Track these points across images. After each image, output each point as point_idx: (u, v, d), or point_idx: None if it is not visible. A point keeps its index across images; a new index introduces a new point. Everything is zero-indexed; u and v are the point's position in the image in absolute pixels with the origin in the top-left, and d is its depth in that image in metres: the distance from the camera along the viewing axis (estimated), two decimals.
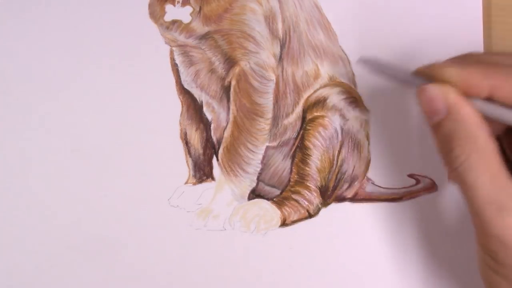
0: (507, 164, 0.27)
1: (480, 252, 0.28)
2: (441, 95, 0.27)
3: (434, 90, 0.27)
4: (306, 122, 0.37)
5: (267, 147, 0.37)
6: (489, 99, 0.27)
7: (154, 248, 0.36)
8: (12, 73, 0.38)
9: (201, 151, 0.37)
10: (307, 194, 0.37)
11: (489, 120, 0.27)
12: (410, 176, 0.36)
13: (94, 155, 0.37)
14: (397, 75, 0.30)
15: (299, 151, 0.37)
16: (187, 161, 0.37)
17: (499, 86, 0.26)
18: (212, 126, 0.38)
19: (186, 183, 0.37)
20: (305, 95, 0.37)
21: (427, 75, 0.28)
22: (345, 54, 0.37)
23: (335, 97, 0.37)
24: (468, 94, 0.27)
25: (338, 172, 0.37)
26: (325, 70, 0.37)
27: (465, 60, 0.29)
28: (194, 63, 0.37)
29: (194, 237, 0.36)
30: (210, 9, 0.37)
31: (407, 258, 0.36)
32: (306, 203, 0.36)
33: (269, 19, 0.37)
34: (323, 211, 0.37)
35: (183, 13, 0.37)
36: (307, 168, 0.37)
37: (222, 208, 0.37)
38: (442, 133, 0.27)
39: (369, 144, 0.37)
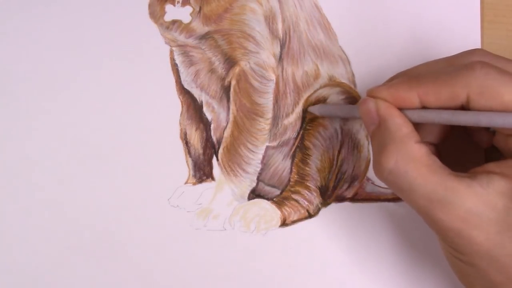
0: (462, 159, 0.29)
1: (441, 244, 0.29)
2: (375, 107, 0.29)
3: (370, 103, 0.29)
4: (306, 122, 0.37)
5: (267, 147, 0.37)
6: (424, 107, 0.28)
7: (154, 248, 0.36)
8: (12, 73, 0.38)
9: (201, 151, 0.37)
10: (307, 194, 0.37)
11: (430, 125, 0.30)
12: None
13: (94, 155, 0.37)
14: (344, 112, 0.35)
15: (299, 151, 0.37)
16: (187, 161, 0.37)
17: (424, 93, 0.28)
18: (212, 126, 0.38)
19: (186, 183, 0.37)
20: (305, 95, 0.37)
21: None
22: (345, 54, 0.37)
23: (335, 97, 0.37)
24: (402, 106, 0.29)
25: (338, 172, 0.37)
26: (325, 70, 0.37)
27: (393, 78, 0.31)
28: (194, 63, 0.37)
29: (194, 237, 0.36)
30: (210, 9, 0.37)
31: (407, 258, 0.36)
32: (306, 203, 0.37)
33: (269, 19, 0.37)
34: (323, 211, 0.37)
35: (183, 13, 0.37)
36: (307, 168, 0.37)
37: (222, 208, 0.37)
38: (375, 142, 0.29)
39: (369, 144, 0.37)
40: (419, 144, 0.27)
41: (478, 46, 0.37)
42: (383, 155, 0.28)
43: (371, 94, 0.30)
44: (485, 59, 0.27)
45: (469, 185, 0.26)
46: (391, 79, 0.32)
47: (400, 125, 0.28)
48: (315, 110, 0.36)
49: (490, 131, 0.30)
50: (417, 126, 0.29)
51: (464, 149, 0.32)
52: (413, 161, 0.27)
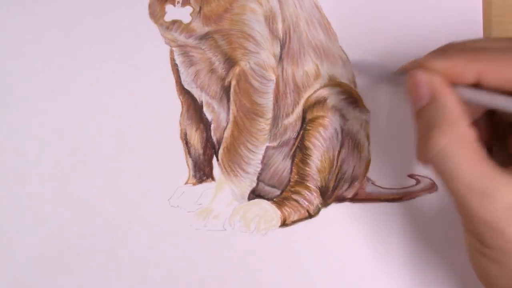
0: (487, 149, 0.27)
1: (467, 237, 0.28)
2: (427, 82, 0.27)
3: (421, 77, 0.27)
4: (306, 122, 0.37)
5: (267, 147, 0.37)
6: (477, 85, 0.27)
7: (154, 248, 0.36)
8: (12, 73, 0.38)
9: (201, 151, 0.37)
10: (307, 194, 0.37)
11: (474, 105, 0.28)
12: (410, 176, 0.36)
13: (94, 155, 0.37)
14: (383, 74, 0.32)
15: (299, 151, 0.37)
16: (187, 161, 0.37)
17: (484, 71, 0.26)
18: (212, 126, 0.38)
19: (186, 183, 0.37)
20: (305, 95, 0.37)
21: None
22: (345, 54, 0.37)
23: (335, 97, 0.37)
24: (455, 82, 0.27)
25: (338, 172, 0.37)
26: (325, 70, 0.37)
27: (448, 49, 0.29)
28: (194, 63, 0.37)
29: (194, 237, 0.36)
30: (210, 9, 0.37)
31: (407, 258, 0.36)
32: (306, 203, 0.37)
33: (269, 19, 0.37)
34: (323, 211, 0.37)
35: (183, 13, 0.37)
36: (307, 168, 0.37)
37: (222, 208, 0.37)
38: (423, 120, 0.27)
39: (369, 144, 0.37)
40: (470, 128, 0.26)
41: None
42: (434, 135, 0.26)
43: (424, 64, 0.28)
44: None
45: None
46: (445, 47, 0.29)
47: (455, 105, 0.26)
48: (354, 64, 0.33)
49: None
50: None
51: (497, 136, 0.31)
52: (466, 145, 0.25)
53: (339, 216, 0.36)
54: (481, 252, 0.27)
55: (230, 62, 0.37)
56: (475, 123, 0.30)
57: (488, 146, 0.31)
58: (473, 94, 0.27)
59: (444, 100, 0.27)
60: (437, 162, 0.26)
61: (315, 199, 0.36)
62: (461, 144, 0.26)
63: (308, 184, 0.37)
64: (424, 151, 0.27)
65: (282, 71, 0.37)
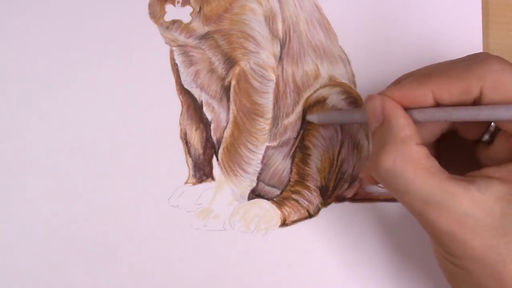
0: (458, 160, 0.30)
1: (434, 246, 0.29)
2: (380, 104, 0.29)
3: (376, 99, 0.29)
4: (306, 122, 0.37)
5: (267, 147, 0.37)
6: (437, 104, 0.28)
7: (154, 248, 0.36)
8: (12, 73, 0.38)
9: (201, 151, 0.37)
10: (307, 194, 0.37)
11: (433, 124, 0.30)
12: None
13: (94, 155, 0.37)
14: (344, 117, 0.34)
15: (299, 151, 0.37)
16: (187, 161, 0.37)
17: (438, 89, 0.28)
18: (212, 126, 0.38)
19: (186, 183, 0.37)
20: (305, 95, 0.37)
21: None
22: (345, 54, 0.37)
23: (335, 97, 0.37)
24: (415, 105, 0.29)
25: (338, 172, 0.37)
26: (325, 70, 0.37)
27: (402, 79, 0.31)
28: (194, 63, 0.37)
29: (194, 237, 0.36)
30: (210, 9, 0.37)
31: (407, 257, 0.36)
32: (306, 203, 0.37)
33: (269, 19, 0.37)
34: (323, 211, 0.37)
35: (183, 13, 0.37)
36: (307, 168, 0.37)
37: (222, 208, 0.37)
38: (376, 139, 0.29)
39: (369, 144, 0.37)
40: (419, 146, 0.27)
41: (480, 46, 0.37)
42: (382, 154, 0.27)
43: (383, 93, 0.30)
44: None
45: (467, 189, 0.26)
46: (399, 79, 0.32)
47: (403, 126, 0.28)
48: (313, 118, 0.36)
49: (485, 141, 0.30)
50: (418, 125, 0.29)
51: (463, 150, 0.32)
52: (412, 162, 0.27)
53: (339, 216, 0.36)
54: (448, 260, 0.27)
55: (230, 62, 0.37)
56: (439, 140, 0.32)
57: (454, 159, 0.32)
58: (426, 113, 0.28)
59: (393, 122, 0.28)
60: (387, 180, 0.28)
61: (315, 199, 0.37)
62: (408, 162, 0.27)
63: (308, 184, 0.37)
64: (375, 169, 0.28)
65: (282, 71, 0.37)
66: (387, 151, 0.27)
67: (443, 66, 0.29)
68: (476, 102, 0.27)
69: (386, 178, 0.28)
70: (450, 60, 0.30)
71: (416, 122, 0.28)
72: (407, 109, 0.29)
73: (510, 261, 0.25)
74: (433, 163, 0.27)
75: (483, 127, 0.30)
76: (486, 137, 0.30)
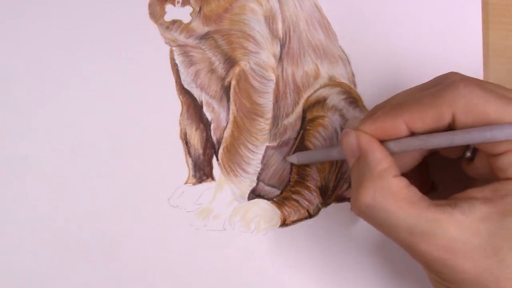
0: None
1: (427, 272, 0.29)
2: (355, 140, 0.29)
3: (351, 135, 0.29)
4: (306, 122, 0.37)
5: (267, 147, 0.37)
6: (413, 133, 0.28)
7: (154, 248, 0.36)
8: (12, 73, 0.38)
9: (201, 151, 0.37)
10: (307, 194, 0.37)
11: (411, 153, 0.30)
12: None
13: (94, 155, 0.37)
14: (322, 155, 0.34)
15: (299, 151, 0.37)
16: (187, 161, 0.37)
17: (410, 119, 0.27)
18: (212, 126, 0.38)
19: (186, 183, 0.37)
20: (305, 95, 0.37)
21: None
22: (345, 54, 0.37)
23: (335, 97, 0.37)
24: (391, 137, 0.28)
25: (338, 172, 0.37)
26: (325, 70, 0.37)
27: (375, 111, 0.30)
28: (194, 63, 0.37)
29: (194, 237, 0.36)
30: (210, 9, 0.37)
31: (407, 257, 0.36)
32: (306, 203, 0.37)
33: (269, 19, 0.37)
34: (323, 211, 0.37)
35: (183, 13, 0.37)
36: (307, 168, 0.37)
37: (222, 208, 0.37)
38: (354, 175, 0.29)
39: None
40: (397, 178, 0.27)
41: (479, 46, 0.37)
42: (361, 190, 0.27)
43: (355, 128, 0.29)
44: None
45: (450, 214, 0.26)
46: (372, 112, 0.32)
47: (379, 160, 0.28)
48: (293, 159, 0.36)
49: (467, 158, 0.30)
50: (396, 155, 0.29)
51: (450, 167, 0.32)
52: (391, 196, 0.26)
53: (339, 216, 0.36)
54: (443, 285, 0.27)
55: (230, 62, 0.37)
56: (421, 165, 0.31)
57: (444, 176, 0.33)
58: (402, 144, 0.28)
59: (369, 156, 0.28)
60: (369, 215, 0.27)
61: (315, 199, 0.37)
62: (387, 196, 0.27)
63: (308, 184, 0.37)
64: (356, 206, 0.28)
65: (282, 71, 0.37)
66: (365, 187, 0.27)
67: (413, 94, 0.29)
68: (451, 126, 0.27)
69: (367, 213, 0.27)
70: (419, 86, 0.30)
71: (393, 154, 0.28)
72: (382, 141, 0.29)
73: (504, 279, 0.25)
74: (413, 192, 0.27)
75: (463, 146, 0.29)
76: (468, 154, 0.29)
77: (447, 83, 0.27)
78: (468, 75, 0.28)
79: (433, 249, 0.26)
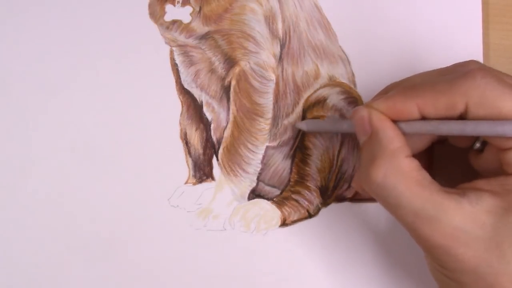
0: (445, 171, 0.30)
1: (427, 259, 0.29)
2: (368, 117, 0.29)
3: (364, 112, 0.29)
4: None
5: (267, 147, 0.37)
6: (423, 118, 0.28)
7: (154, 248, 0.36)
8: (12, 73, 0.38)
9: (201, 151, 0.37)
10: (307, 194, 0.37)
11: (421, 136, 0.30)
12: None
13: (94, 155, 0.37)
14: (332, 126, 0.34)
15: (299, 151, 0.37)
16: (187, 161, 0.37)
17: (423, 103, 0.27)
18: (212, 126, 0.38)
19: (186, 183, 0.37)
20: (305, 95, 0.37)
21: None
22: (345, 54, 0.37)
23: (335, 97, 0.37)
24: (401, 118, 0.28)
25: (338, 172, 0.37)
26: (325, 70, 0.37)
27: (388, 90, 0.30)
28: (194, 63, 0.37)
29: (194, 237, 0.36)
30: (210, 9, 0.37)
31: (407, 257, 0.36)
32: (306, 203, 0.37)
33: (269, 19, 0.37)
34: (323, 211, 0.37)
35: (183, 13, 0.37)
36: (307, 168, 0.37)
37: (222, 208, 0.37)
38: (365, 153, 0.29)
39: None
40: (409, 158, 0.27)
41: (480, 46, 0.37)
42: (372, 168, 0.27)
43: (367, 105, 0.29)
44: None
45: (458, 202, 0.26)
46: (386, 89, 0.32)
47: (391, 138, 0.27)
48: (302, 126, 0.35)
49: (476, 149, 0.30)
50: (407, 136, 0.29)
51: (456, 157, 0.32)
52: (402, 176, 0.26)
53: (339, 216, 0.36)
54: (441, 272, 0.27)
55: (230, 62, 0.37)
56: (432, 148, 0.31)
57: (448, 166, 0.33)
58: (413, 126, 0.28)
59: (381, 134, 0.28)
60: (378, 193, 0.27)
61: (315, 199, 0.37)
62: (398, 175, 0.26)
63: (308, 184, 0.37)
64: (366, 183, 0.28)
65: (282, 71, 0.37)
66: (377, 165, 0.27)
67: (429, 78, 0.29)
68: (462, 116, 0.27)
69: (377, 191, 0.27)
70: (437, 70, 0.29)
71: (404, 134, 0.28)
72: (394, 121, 0.28)
73: (502, 274, 0.25)
74: (424, 175, 0.27)
75: (472, 136, 0.29)
76: (477, 145, 0.29)
77: (464, 72, 0.27)
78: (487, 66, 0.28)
79: (436, 234, 0.26)
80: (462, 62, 0.29)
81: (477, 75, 0.26)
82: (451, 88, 0.26)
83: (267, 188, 0.37)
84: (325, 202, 0.37)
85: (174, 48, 0.38)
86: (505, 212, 0.25)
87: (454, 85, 0.26)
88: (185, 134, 0.37)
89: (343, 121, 0.33)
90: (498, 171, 0.27)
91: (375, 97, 0.30)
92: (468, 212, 0.25)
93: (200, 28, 0.37)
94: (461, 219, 0.25)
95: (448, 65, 0.29)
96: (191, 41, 0.37)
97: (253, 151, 0.37)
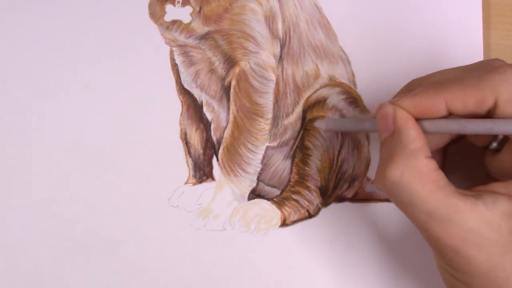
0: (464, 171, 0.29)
1: (437, 260, 0.29)
2: (392, 114, 0.28)
3: (387, 108, 0.28)
4: (306, 122, 0.37)
5: (267, 147, 0.37)
6: (450, 114, 0.28)
7: (154, 248, 0.36)
8: (12, 73, 0.38)
9: (201, 151, 0.37)
10: (307, 194, 0.37)
11: (442, 135, 0.30)
12: None
13: (94, 155, 0.37)
14: (353, 125, 0.33)
15: (299, 151, 0.37)
16: (187, 161, 0.37)
17: (451, 99, 0.27)
18: (212, 126, 0.38)
19: (186, 183, 0.37)
20: (305, 95, 0.37)
21: None
22: (345, 54, 0.37)
23: (335, 97, 0.37)
24: (427, 116, 0.28)
25: (338, 172, 0.37)
26: (325, 70, 0.37)
27: (412, 87, 0.30)
28: (194, 63, 0.37)
29: (194, 237, 0.36)
30: (210, 9, 0.37)
31: (407, 257, 0.36)
32: (306, 203, 0.37)
33: (269, 19, 0.37)
34: (323, 211, 0.37)
35: (183, 13, 0.37)
36: (307, 168, 0.37)
37: (222, 208, 0.37)
38: (384, 149, 0.28)
39: (369, 144, 0.37)
40: (428, 159, 0.27)
41: (480, 46, 0.37)
42: (390, 165, 0.27)
43: (393, 102, 0.29)
44: None
45: (474, 204, 0.25)
46: (408, 86, 0.31)
47: (413, 138, 0.27)
48: (321, 124, 0.35)
49: (492, 149, 0.29)
50: (427, 133, 0.28)
51: (470, 156, 0.32)
52: (420, 176, 0.26)
53: (339, 216, 0.36)
54: (451, 274, 0.27)
55: (230, 62, 0.37)
56: (441, 149, 0.31)
57: (461, 163, 0.32)
58: (438, 125, 0.28)
59: (403, 133, 0.27)
60: (393, 191, 0.27)
61: (315, 199, 0.36)
62: (416, 175, 0.26)
63: (308, 184, 0.37)
64: (382, 180, 0.27)
65: (282, 71, 0.37)
66: (395, 163, 0.27)
67: (455, 74, 0.29)
68: (490, 112, 0.27)
69: (392, 189, 0.27)
70: (461, 67, 0.29)
71: (426, 132, 0.28)
72: (418, 119, 0.28)
73: None
74: (441, 176, 0.27)
75: (491, 135, 0.29)
76: (494, 144, 0.29)
77: (494, 66, 0.26)
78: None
79: (449, 236, 0.26)
80: (487, 60, 0.28)
81: (507, 70, 0.26)
82: (481, 83, 0.26)
83: (267, 188, 0.37)
84: (325, 202, 0.37)
85: (174, 48, 0.38)
86: None
87: (484, 79, 0.26)
88: (185, 134, 0.37)
89: (365, 120, 0.32)
90: None
91: (399, 94, 0.29)
92: (484, 215, 0.25)
93: (200, 28, 0.37)
94: (476, 221, 0.25)
95: (472, 63, 0.29)
96: (191, 41, 0.37)
97: (253, 151, 0.37)
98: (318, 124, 0.35)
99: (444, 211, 0.26)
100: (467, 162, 0.32)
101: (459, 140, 0.31)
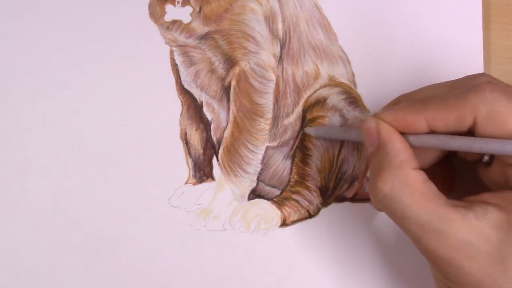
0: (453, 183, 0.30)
1: (433, 271, 0.29)
2: (376, 128, 0.29)
3: (372, 123, 0.29)
4: (306, 122, 0.37)
5: (267, 147, 0.37)
6: (432, 131, 0.28)
7: (154, 248, 0.36)
8: (12, 73, 0.38)
9: (201, 151, 0.37)
10: (307, 194, 0.37)
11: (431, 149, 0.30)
12: None
13: (94, 155, 0.37)
14: (341, 134, 0.34)
15: (299, 151, 0.37)
16: (187, 161, 0.37)
17: (432, 117, 0.27)
18: (212, 126, 0.38)
19: (186, 183, 0.37)
20: (305, 95, 0.37)
21: None
22: (345, 54, 0.37)
23: (335, 97, 0.37)
24: (409, 131, 0.28)
25: (338, 172, 0.37)
26: (325, 70, 0.37)
27: (399, 101, 0.30)
28: (194, 63, 0.37)
29: (194, 237, 0.36)
30: (210, 9, 0.37)
31: (407, 258, 0.36)
32: (306, 203, 0.37)
33: (269, 19, 0.37)
34: (323, 211, 0.37)
35: (183, 13, 0.37)
36: (307, 168, 0.37)
37: (222, 208, 0.37)
38: (373, 164, 0.29)
39: None
40: (416, 171, 0.27)
41: (480, 46, 0.37)
42: (379, 179, 0.27)
43: (376, 116, 0.29)
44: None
45: (464, 215, 0.26)
46: (396, 101, 0.31)
47: (399, 151, 0.28)
48: (311, 131, 0.36)
49: (484, 162, 0.29)
50: (416, 149, 0.29)
51: (466, 169, 0.32)
52: (409, 188, 0.26)
53: (339, 216, 0.36)
54: (446, 284, 0.27)
55: (230, 62, 0.37)
56: (438, 164, 0.31)
57: (457, 177, 0.32)
58: (422, 140, 0.28)
59: (388, 147, 0.28)
60: (385, 204, 0.27)
61: (315, 199, 0.37)
62: (405, 187, 0.27)
63: (308, 184, 0.37)
64: (374, 194, 0.28)
65: (282, 71, 0.37)
66: (384, 177, 0.27)
67: (439, 91, 0.29)
68: (471, 130, 0.27)
69: (383, 203, 0.27)
70: (448, 83, 0.29)
71: (412, 147, 0.28)
72: (402, 133, 0.28)
73: None
74: (430, 188, 0.27)
75: None
76: (486, 158, 0.29)
77: (473, 85, 0.27)
78: (498, 79, 0.28)
79: (441, 247, 0.26)
80: (473, 75, 0.29)
81: (486, 89, 0.26)
82: (460, 103, 0.26)
83: (267, 188, 0.37)
84: (325, 202, 0.37)
85: (174, 48, 0.38)
86: (511, 227, 0.25)
87: (463, 99, 0.26)
88: (185, 134, 0.37)
89: (352, 130, 0.33)
90: (506, 185, 0.27)
91: (385, 108, 0.30)
92: (474, 226, 0.25)
93: (200, 28, 0.37)
94: (467, 232, 0.25)
95: (459, 78, 0.29)
96: (191, 41, 0.37)
97: (253, 151, 0.37)
98: (308, 130, 0.36)
99: (435, 222, 0.26)
100: (463, 175, 0.33)
101: (454, 154, 0.32)
